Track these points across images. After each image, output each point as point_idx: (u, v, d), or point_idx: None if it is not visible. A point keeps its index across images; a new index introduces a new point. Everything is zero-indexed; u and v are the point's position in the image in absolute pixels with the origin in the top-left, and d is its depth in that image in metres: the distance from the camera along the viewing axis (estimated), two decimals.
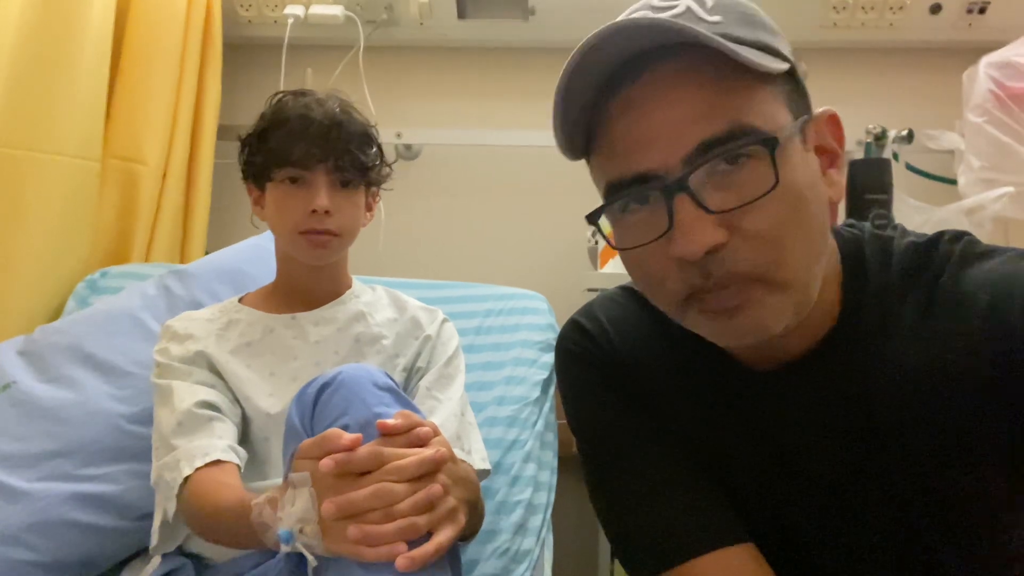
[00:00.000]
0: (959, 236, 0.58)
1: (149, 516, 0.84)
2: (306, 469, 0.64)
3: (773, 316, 0.51)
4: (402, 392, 0.76)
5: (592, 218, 0.57)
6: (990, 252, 0.56)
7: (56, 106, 1.24)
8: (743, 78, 0.50)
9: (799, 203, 0.51)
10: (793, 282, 0.51)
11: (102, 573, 0.96)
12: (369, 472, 0.63)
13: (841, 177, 0.57)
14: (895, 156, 1.44)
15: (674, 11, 0.51)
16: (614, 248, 0.57)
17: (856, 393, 0.57)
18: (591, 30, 0.51)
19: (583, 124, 0.56)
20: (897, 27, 1.61)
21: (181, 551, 0.87)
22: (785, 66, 0.52)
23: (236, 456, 0.83)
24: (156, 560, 0.86)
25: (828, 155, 0.56)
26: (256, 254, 1.27)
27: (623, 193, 0.53)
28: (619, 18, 0.51)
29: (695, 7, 0.51)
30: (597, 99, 0.54)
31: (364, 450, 0.64)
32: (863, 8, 1.57)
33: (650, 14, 0.51)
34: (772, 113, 0.51)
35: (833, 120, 0.57)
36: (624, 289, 0.72)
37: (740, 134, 0.49)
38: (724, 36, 0.48)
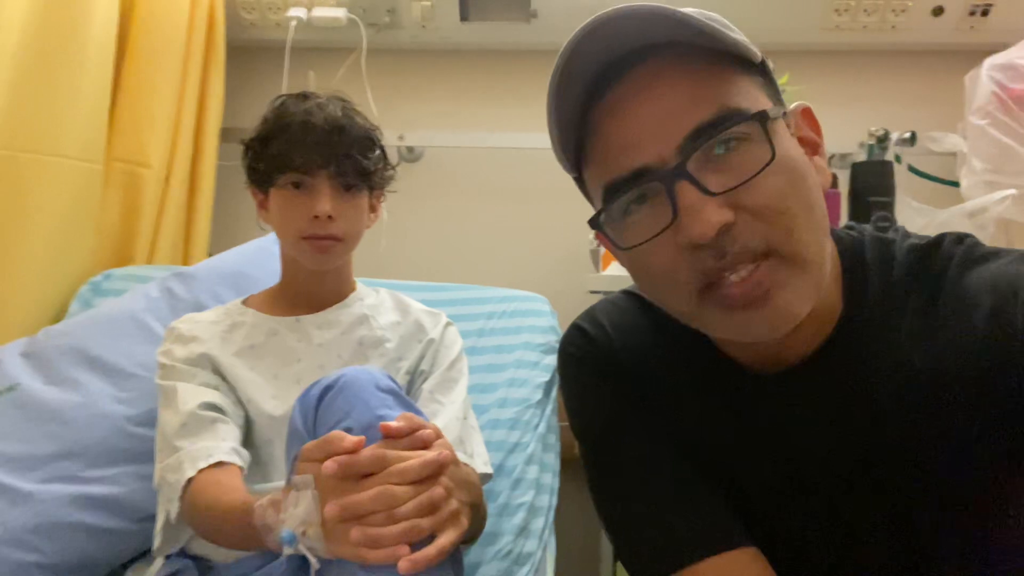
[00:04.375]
0: (962, 238, 0.58)
1: (152, 518, 0.85)
2: (309, 471, 0.64)
3: (798, 299, 0.51)
4: (404, 394, 0.76)
5: (594, 222, 0.57)
6: (993, 254, 0.56)
7: (59, 109, 1.25)
8: (724, 69, 0.52)
9: (796, 176, 0.52)
10: (808, 257, 0.51)
11: (105, 575, 0.96)
12: (372, 474, 0.64)
13: (825, 164, 0.58)
14: (897, 158, 1.44)
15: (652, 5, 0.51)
16: (622, 249, 0.56)
17: (858, 395, 0.57)
18: None
19: (572, 139, 0.56)
20: (899, 29, 1.61)
21: (184, 553, 0.87)
22: (760, 55, 0.54)
23: (239, 458, 0.83)
24: (159, 562, 0.86)
25: (810, 145, 0.57)
26: (259, 256, 1.27)
27: (623, 191, 0.53)
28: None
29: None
30: (582, 112, 0.55)
31: (367, 452, 0.64)
32: (865, 11, 1.57)
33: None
34: (755, 97, 0.53)
35: (808, 113, 0.59)
36: (626, 293, 0.73)
37: (730, 116, 0.50)
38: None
